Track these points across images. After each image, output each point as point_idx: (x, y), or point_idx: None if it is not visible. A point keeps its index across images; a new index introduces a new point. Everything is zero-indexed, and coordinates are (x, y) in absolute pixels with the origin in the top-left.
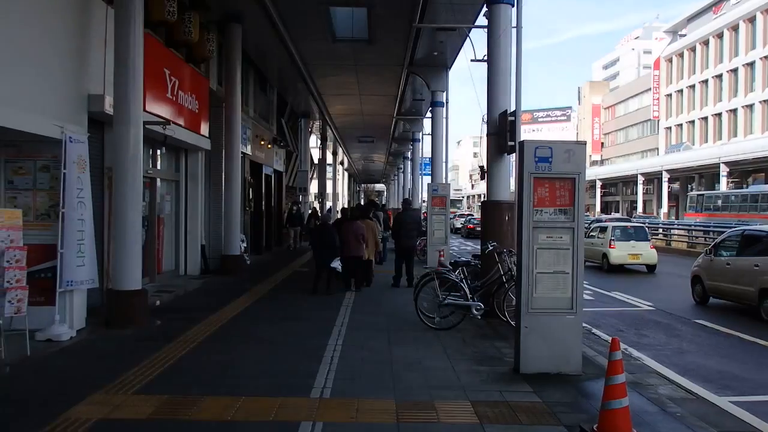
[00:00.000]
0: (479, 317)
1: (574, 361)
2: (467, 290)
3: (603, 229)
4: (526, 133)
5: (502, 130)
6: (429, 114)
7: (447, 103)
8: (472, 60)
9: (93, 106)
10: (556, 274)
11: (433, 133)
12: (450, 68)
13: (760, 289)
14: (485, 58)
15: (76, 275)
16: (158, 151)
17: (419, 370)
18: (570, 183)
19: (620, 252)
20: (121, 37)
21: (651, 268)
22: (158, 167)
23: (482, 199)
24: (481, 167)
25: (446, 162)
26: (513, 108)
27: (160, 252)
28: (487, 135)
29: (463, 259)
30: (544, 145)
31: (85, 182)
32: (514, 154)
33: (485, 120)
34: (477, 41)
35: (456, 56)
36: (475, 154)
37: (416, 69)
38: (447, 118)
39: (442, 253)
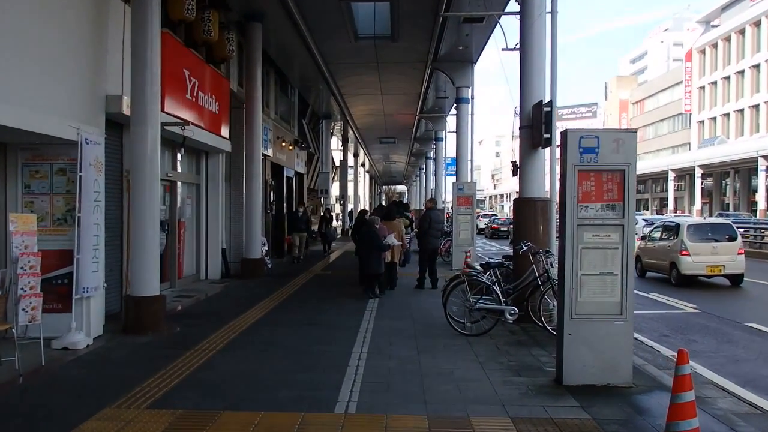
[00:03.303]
0: (512, 322)
1: (623, 372)
2: (500, 293)
3: None
4: None
5: (536, 123)
6: (453, 111)
7: (472, 99)
8: (503, 49)
9: (111, 107)
10: (604, 275)
11: (458, 131)
12: (475, 63)
13: (670, 262)
14: (518, 46)
15: (90, 281)
16: (178, 154)
17: (452, 382)
18: (619, 175)
19: None
20: (139, 35)
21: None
22: (178, 170)
23: (510, 197)
24: (513, 163)
25: (471, 160)
26: (548, 98)
27: (180, 256)
28: (520, 128)
29: (495, 260)
30: (590, 134)
31: (101, 185)
32: (548, 149)
33: (517, 112)
34: (507, 29)
35: (482, 50)
36: (497, 154)
37: (440, 65)
38: (472, 114)
39: (468, 254)
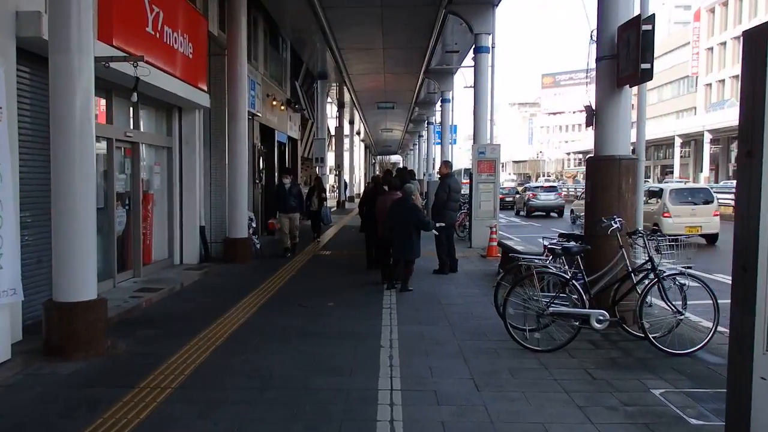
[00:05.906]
0: (599, 330)
1: None
2: (582, 292)
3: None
4: (548, 98)
5: (628, 50)
6: (465, 63)
7: (493, 48)
8: None
9: (24, 29)
10: None
11: (476, 86)
12: (497, 5)
13: (653, 223)
14: None
15: None
16: (140, 110)
17: None
18: None
19: None
20: None
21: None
22: (141, 128)
23: (507, 166)
24: (588, 107)
25: (491, 120)
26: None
27: (147, 237)
28: (597, 60)
29: (575, 245)
30: None
31: (2, 142)
32: (636, 88)
33: (593, 38)
34: None
35: None
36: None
37: (456, 8)
38: (493, 66)
39: (494, 229)
